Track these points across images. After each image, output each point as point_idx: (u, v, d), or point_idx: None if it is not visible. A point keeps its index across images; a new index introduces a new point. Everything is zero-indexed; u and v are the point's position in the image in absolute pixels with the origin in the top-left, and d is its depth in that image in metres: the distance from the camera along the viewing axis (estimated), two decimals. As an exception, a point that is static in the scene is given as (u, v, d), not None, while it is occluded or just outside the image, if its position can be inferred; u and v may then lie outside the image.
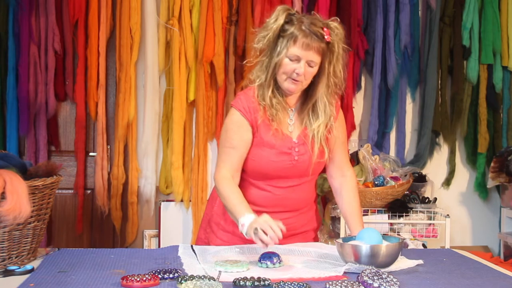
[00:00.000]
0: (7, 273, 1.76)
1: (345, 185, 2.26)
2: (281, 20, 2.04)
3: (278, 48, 2.04)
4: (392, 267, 1.85)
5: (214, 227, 2.27)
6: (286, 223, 2.17)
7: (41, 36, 3.84)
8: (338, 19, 2.10)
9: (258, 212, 2.15)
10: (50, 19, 3.83)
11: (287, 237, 2.15)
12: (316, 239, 2.35)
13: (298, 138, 2.14)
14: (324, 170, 2.29)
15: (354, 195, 2.25)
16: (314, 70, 2.06)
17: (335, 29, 2.06)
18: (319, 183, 3.63)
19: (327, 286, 1.60)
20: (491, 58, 4.25)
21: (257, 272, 1.79)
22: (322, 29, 2.03)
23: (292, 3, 4.03)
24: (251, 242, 2.12)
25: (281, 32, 2.04)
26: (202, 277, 1.63)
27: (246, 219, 1.94)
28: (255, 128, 2.12)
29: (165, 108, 4.05)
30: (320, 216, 2.41)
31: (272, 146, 2.11)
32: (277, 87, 2.10)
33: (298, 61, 2.03)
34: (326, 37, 2.02)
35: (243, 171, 2.17)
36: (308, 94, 2.13)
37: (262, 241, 1.86)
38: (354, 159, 3.80)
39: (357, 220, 2.20)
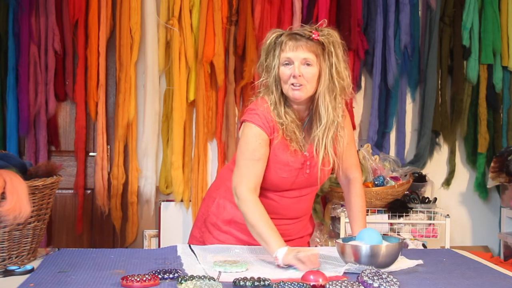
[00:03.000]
0: (7, 273, 1.76)
1: (350, 188, 2.26)
2: (272, 38, 2.05)
3: (272, 61, 2.05)
4: (392, 267, 1.85)
5: (210, 227, 2.26)
6: (284, 229, 2.19)
7: (41, 36, 3.84)
8: (327, 29, 2.07)
9: None
10: (50, 19, 3.83)
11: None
12: (308, 244, 2.36)
13: (308, 151, 2.12)
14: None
15: (357, 199, 2.23)
16: (313, 69, 2.01)
17: (325, 31, 2.03)
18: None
19: (327, 286, 1.60)
20: (491, 58, 4.24)
21: (257, 272, 1.79)
22: (311, 31, 2.02)
23: (292, 3, 4.03)
24: (247, 243, 2.13)
25: (272, 48, 2.05)
26: (202, 277, 1.63)
27: (280, 253, 1.88)
28: (271, 145, 2.09)
29: (165, 108, 4.05)
30: (314, 220, 2.41)
31: (286, 164, 2.09)
32: (287, 104, 2.08)
33: (291, 63, 2.01)
34: (313, 36, 2.01)
35: None
36: (313, 104, 2.09)
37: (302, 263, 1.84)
38: (354, 159, 3.80)
39: (359, 223, 2.19)
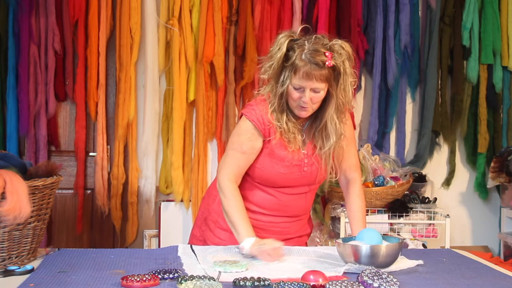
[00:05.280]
0: (7, 273, 1.76)
1: (349, 188, 2.27)
2: (283, 49, 2.03)
3: (282, 78, 2.05)
4: (392, 267, 1.85)
5: (211, 225, 2.28)
6: (284, 227, 2.22)
7: (41, 36, 3.84)
8: (339, 41, 2.05)
9: (259, 214, 2.18)
10: (50, 19, 3.83)
11: (283, 241, 2.18)
12: (306, 244, 2.36)
13: (307, 149, 2.15)
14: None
15: (356, 199, 2.24)
16: (321, 94, 2.04)
17: (339, 50, 2.02)
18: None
19: (327, 286, 1.59)
20: (491, 58, 4.24)
21: (257, 272, 1.79)
22: (325, 54, 1.99)
23: (292, 3, 4.03)
24: None
25: (284, 62, 2.03)
26: (202, 277, 1.63)
27: (247, 243, 1.99)
28: (266, 140, 2.13)
29: (165, 108, 4.05)
30: (312, 221, 2.42)
31: (283, 159, 2.12)
32: (290, 110, 2.11)
33: (302, 90, 2.02)
34: (327, 63, 1.99)
35: (250, 176, 2.19)
36: (317, 114, 2.12)
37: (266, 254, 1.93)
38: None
39: (359, 224, 2.20)
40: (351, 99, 2.12)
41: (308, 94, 2.02)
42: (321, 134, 2.13)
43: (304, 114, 2.08)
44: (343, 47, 2.03)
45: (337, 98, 2.07)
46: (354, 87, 2.11)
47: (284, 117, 2.09)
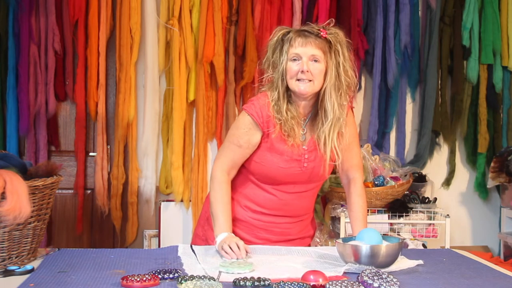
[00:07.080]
0: (7, 273, 1.76)
1: (350, 188, 2.27)
2: (279, 36, 2.11)
3: (280, 56, 2.10)
4: (392, 267, 1.85)
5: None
6: (286, 228, 2.21)
7: (41, 36, 3.84)
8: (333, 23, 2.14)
9: (260, 213, 2.18)
10: (50, 19, 3.83)
11: (285, 242, 2.19)
12: (309, 246, 2.36)
13: (308, 145, 2.15)
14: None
15: (357, 199, 2.25)
16: (320, 66, 2.06)
17: (332, 30, 2.10)
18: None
19: (327, 286, 1.59)
20: (491, 58, 4.24)
21: (257, 272, 1.79)
22: (319, 30, 2.08)
23: (292, 3, 4.03)
24: (248, 241, 2.14)
25: (280, 48, 2.10)
26: (202, 277, 1.63)
27: (219, 237, 2.07)
28: (266, 134, 2.13)
29: (165, 108, 4.05)
30: (315, 223, 2.42)
31: (282, 153, 2.13)
32: (290, 100, 2.12)
33: (299, 59, 2.06)
34: (322, 33, 2.06)
35: (251, 173, 2.20)
36: (319, 100, 2.13)
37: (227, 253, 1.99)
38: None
39: (359, 223, 2.21)
40: (355, 83, 2.13)
41: (306, 62, 2.05)
42: (321, 116, 2.11)
43: (305, 88, 2.06)
44: (337, 32, 2.10)
45: (336, 77, 2.07)
46: (356, 81, 2.13)
47: (285, 105, 2.10)
